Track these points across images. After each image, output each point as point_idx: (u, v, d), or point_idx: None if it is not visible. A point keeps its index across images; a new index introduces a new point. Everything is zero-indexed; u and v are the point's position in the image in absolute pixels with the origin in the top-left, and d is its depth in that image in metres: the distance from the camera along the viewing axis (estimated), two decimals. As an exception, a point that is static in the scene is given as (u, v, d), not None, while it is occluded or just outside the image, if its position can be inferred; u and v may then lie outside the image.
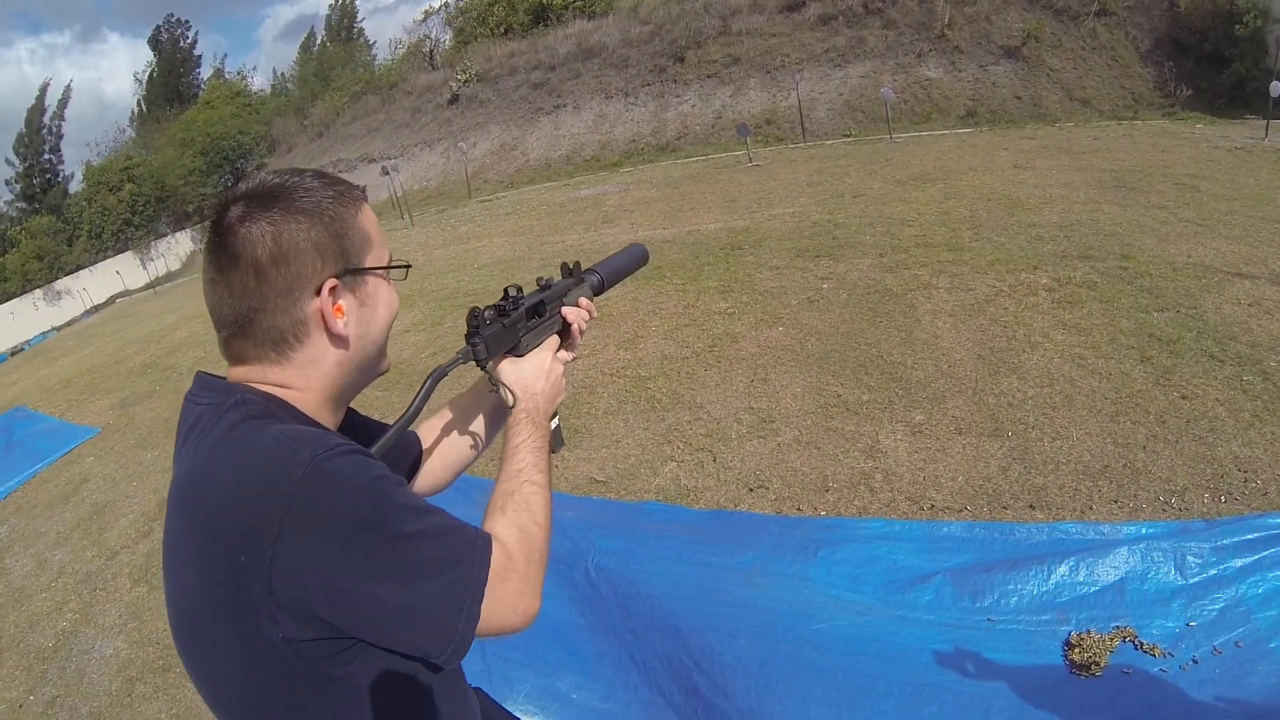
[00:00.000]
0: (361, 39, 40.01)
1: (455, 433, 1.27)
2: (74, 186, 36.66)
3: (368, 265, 1.02)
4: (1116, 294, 5.53)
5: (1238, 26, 13.44)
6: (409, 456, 1.29)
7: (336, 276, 0.97)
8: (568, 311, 1.28)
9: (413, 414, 1.04)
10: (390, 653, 0.93)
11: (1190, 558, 2.72)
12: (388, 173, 17.47)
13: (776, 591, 2.91)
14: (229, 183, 32.50)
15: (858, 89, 17.40)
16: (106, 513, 5.73)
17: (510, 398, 1.16)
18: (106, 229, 31.57)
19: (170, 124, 34.22)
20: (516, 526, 1.00)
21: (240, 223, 0.94)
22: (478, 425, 1.28)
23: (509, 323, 1.17)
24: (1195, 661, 2.38)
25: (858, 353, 5.33)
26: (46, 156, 39.09)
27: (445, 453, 1.28)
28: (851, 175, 11.39)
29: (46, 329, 25.32)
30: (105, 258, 30.84)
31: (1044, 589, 2.75)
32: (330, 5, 41.55)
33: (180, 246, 31.62)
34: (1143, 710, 2.25)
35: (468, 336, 1.14)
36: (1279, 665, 2.30)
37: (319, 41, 39.64)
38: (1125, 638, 2.49)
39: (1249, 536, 2.75)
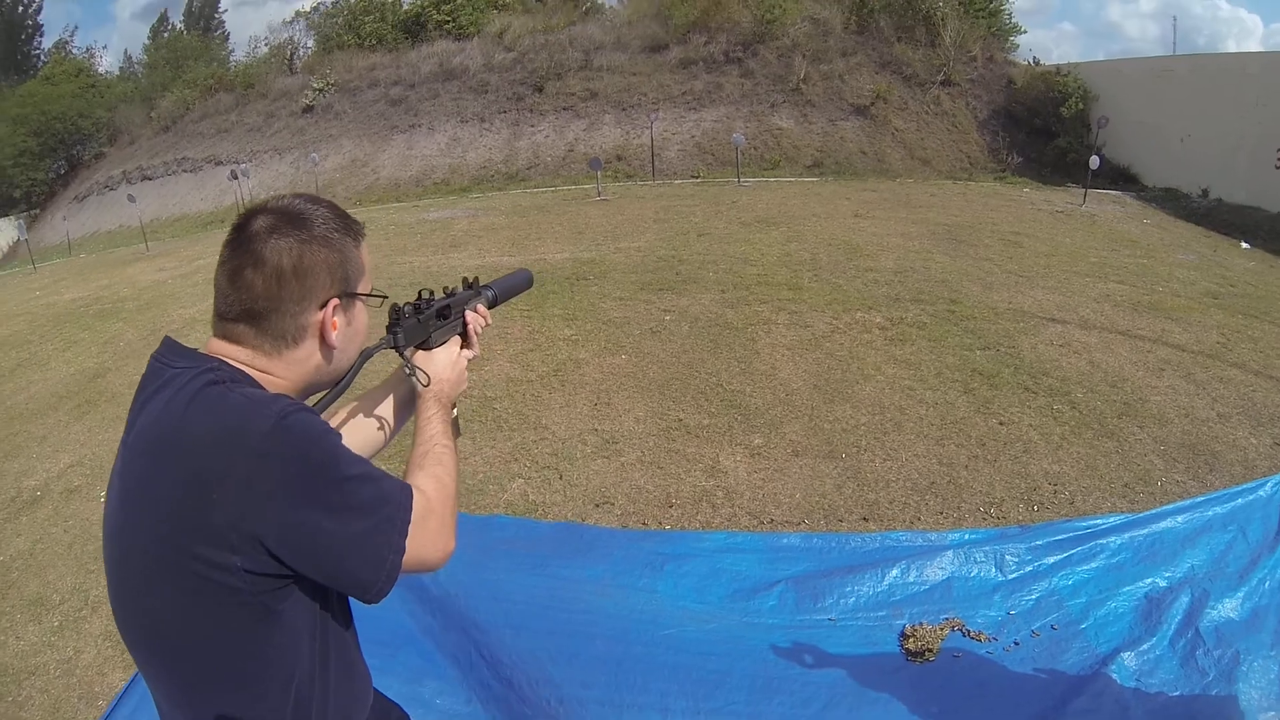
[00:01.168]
0: (220, 31, 36.94)
1: (364, 415, 1.47)
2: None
3: (359, 292, 1.26)
4: (944, 334, 6.13)
5: (1063, 108, 15.89)
6: None
7: (338, 296, 1.21)
8: (469, 315, 1.53)
9: (345, 385, 1.27)
10: (313, 600, 1.14)
11: (1009, 557, 3.08)
12: (237, 177, 16.55)
13: (628, 602, 3.03)
14: (62, 169, 29.59)
15: (710, 132, 18.39)
16: None
17: (424, 378, 1.38)
18: (-80, 208, 27.54)
19: (3, 97, 30.45)
20: (433, 478, 1.25)
21: (270, 233, 1.15)
22: (386, 411, 1.49)
23: (423, 319, 1.42)
24: (1017, 644, 2.73)
25: (699, 380, 5.58)
26: None
27: (358, 432, 1.45)
28: (698, 214, 11.97)
29: None
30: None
31: (879, 589, 3.01)
32: (194, -11, 38.26)
33: (2, 235, 27.53)
34: (972, 686, 2.55)
35: (389, 327, 1.37)
36: (1090, 643, 2.69)
37: (172, 26, 36.08)
38: (954, 627, 2.80)
39: (1059, 538, 3.16)
